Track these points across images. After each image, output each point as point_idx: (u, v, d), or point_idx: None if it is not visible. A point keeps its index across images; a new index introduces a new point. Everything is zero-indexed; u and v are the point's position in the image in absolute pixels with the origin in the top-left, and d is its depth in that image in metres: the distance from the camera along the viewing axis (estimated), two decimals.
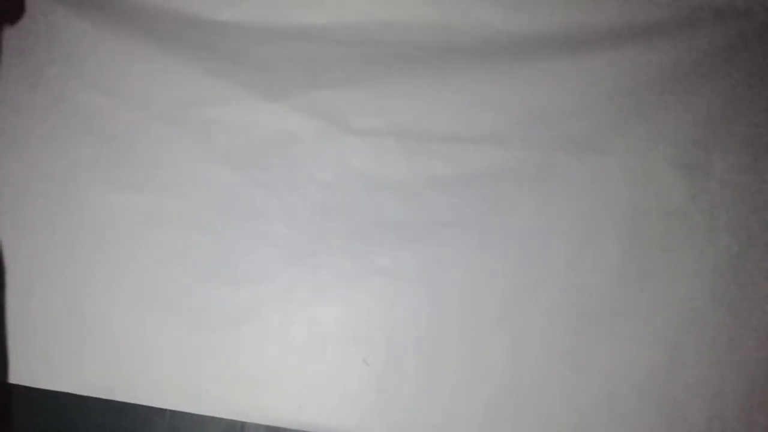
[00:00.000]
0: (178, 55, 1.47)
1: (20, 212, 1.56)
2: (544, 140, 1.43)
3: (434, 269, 1.44)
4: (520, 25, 1.41)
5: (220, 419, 1.48)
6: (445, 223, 1.45)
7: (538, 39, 1.41)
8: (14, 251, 1.56)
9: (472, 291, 1.43)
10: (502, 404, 1.43)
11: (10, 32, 1.53)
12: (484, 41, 1.42)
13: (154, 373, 1.52)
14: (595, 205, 1.41)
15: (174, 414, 1.49)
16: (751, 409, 1.37)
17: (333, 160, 1.45)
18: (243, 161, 1.46)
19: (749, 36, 1.39)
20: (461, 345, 1.45)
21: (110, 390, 1.53)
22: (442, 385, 1.45)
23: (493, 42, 1.42)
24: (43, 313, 1.55)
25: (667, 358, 1.39)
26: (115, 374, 1.54)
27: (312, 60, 1.45)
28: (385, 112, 1.45)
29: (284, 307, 1.48)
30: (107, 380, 1.54)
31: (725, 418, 1.37)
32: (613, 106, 1.41)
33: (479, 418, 1.44)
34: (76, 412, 1.53)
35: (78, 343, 1.55)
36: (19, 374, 1.57)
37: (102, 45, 1.51)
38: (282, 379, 1.47)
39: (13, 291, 1.56)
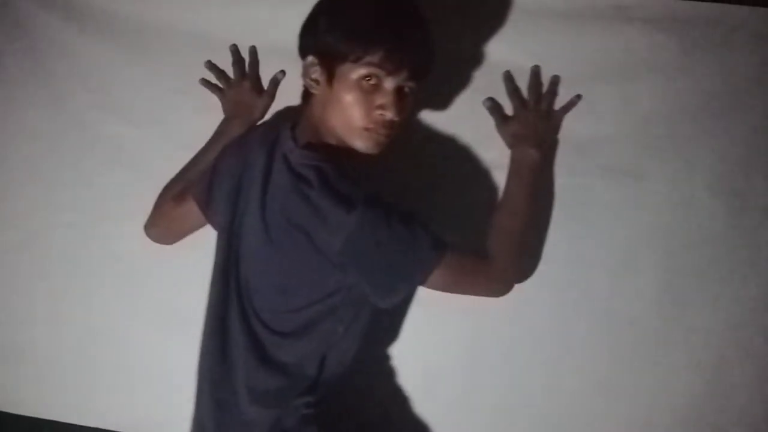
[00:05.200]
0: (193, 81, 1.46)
1: (45, 242, 1.54)
2: (580, 167, 1.40)
3: (470, 297, 1.41)
4: (557, 50, 1.39)
5: None
6: None
7: (574, 65, 1.39)
8: (40, 282, 1.55)
9: (509, 320, 1.40)
10: None
11: (34, 60, 1.51)
12: (520, 67, 1.39)
13: (183, 405, 1.50)
14: (633, 233, 1.39)
15: None
16: None
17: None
18: None
19: None
20: (498, 375, 1.43)
21: (135, 424, 1.53)
22: (479, 415, 1.43)
23: (528, 68, 1.39)
24: (70, 344, 1.54)
25: (708, 388, 1.37)
26: (141, 406, 1.53)
27: None
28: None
29: None
30: (135, 413, 1.53)
31: None
32: (649, 132, 1.39)
33: None
34: None
35: (103, 374, 1.53)
36: (46, 407, 1.56)
37: (128, 73, 1.50)
38: None
39: (38, 322, 1.55)
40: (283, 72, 1.43)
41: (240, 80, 1.44)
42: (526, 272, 1.38)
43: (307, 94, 1.26)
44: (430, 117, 1.43)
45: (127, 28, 1.49)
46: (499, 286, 1.30)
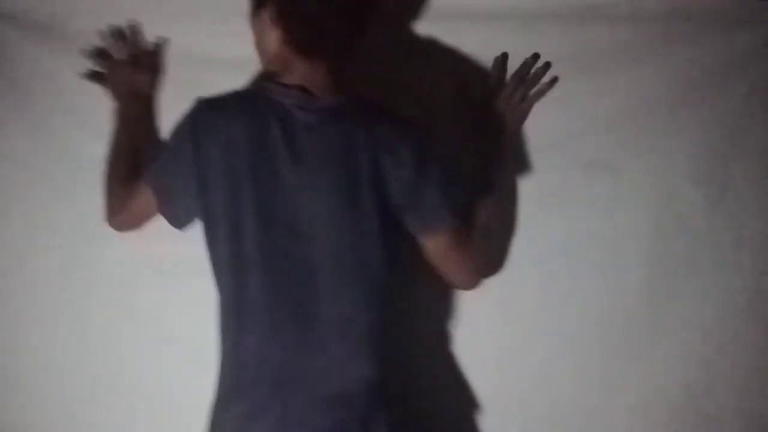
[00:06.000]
0: (181, 98, 1.44)
1: (28, 267, 1.53)
2: (559, 164, 1.42)
3: (457, 298, 1.42)
4: (530, 48, 1.40)
5: None
6: None
7: (548, 60, 1.40)
8: (25, 307, 1.53)
9: (498, 320, 1.42)
10: None
11: (12, 84, 1.50)
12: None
13: (181, 423, 1.49)
14: (616, 226, 1.41)
15: None
16: None
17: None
18: None
19: (760, 45, 1.40)
20: (491, 374, 1.43)
21: None
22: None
23: None
24: (64, 367, 1.52)
25: (700, 378, 1.39)
26: (140, 426, 1.51)
27: None
28: None
29: None
30: None
31: None
32: (627, 125, 1.41)
33: None
34: None
35: (96, 398, 1.52)
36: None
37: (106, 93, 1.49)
38: None
39: (26, 348, 1.53)
40: (158, 42, 1.45)
41: (118, 62, 1.45)
42: (496, 267, 1.40)
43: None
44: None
45: None
46: (475, 274, 1.33)
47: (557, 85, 1.41)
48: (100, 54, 1.46)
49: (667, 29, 1.40)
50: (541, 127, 1.42)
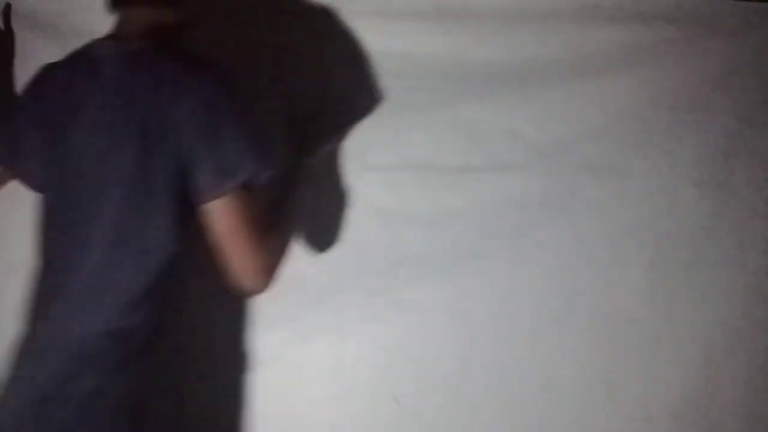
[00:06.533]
0: None
1: (31, 266, 1.51)
2: (563, 166, 1.42)
3: (460, 301, 1.43)
4: (534, 50, 1.40)
5: None
6: (468, 254, 1.43)
7: (553, 64, 1.40)
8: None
9: (501, 322, 1.42)
10: None
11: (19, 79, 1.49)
12: (499, 68, 1.40)
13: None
14: (619, 230, 1.41)
15: None
16: None
17: (351, 198, 1.43)
18: None
19: (763, 48, 1.40)
20: (493, 377, 1.43)
21: None
22: (475, 419, 1.44)
23: (507, 69, 1.41)
24: None
25: (702, 380, 1.40)
26: None
27: None
28: (401, 146, 1.42)
29: (308, 348, 1.45)
30: None
31: None
32: (631, 128, 1.41)
33: None
34: None
35: None
36: None
37: None
38: (310, 424, 1.44)
39: None
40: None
41: None
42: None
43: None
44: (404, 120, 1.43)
45: None
46: (259, 266, 1.16)
47: (561, 89, 1.41)
48: None
49: (671, 32, 1.40)
50: (545, 130, 1.42)
